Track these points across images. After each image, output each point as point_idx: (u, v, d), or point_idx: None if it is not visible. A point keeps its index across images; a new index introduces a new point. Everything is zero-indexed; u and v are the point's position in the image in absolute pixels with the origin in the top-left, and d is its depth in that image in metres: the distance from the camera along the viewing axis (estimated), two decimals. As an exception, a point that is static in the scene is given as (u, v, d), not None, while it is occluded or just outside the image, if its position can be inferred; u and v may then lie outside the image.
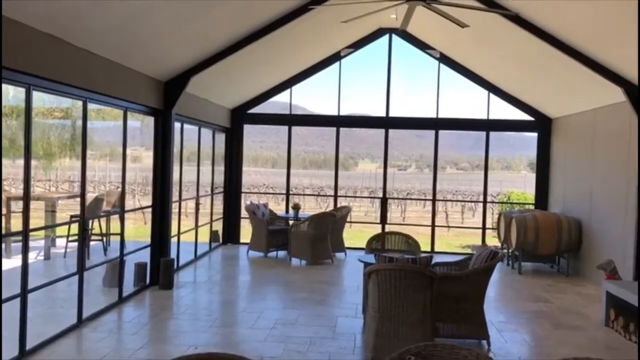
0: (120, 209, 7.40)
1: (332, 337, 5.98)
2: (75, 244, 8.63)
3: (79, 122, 7.31)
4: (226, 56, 8.01)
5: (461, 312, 5.75)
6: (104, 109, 7.14)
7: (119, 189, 7.82)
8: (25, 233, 5.03)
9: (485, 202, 11.92)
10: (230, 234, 11.82)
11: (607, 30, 6.69)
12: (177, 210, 9.22)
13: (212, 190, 11.03)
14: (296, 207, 10.76)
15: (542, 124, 11.21)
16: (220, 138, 11.47)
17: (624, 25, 6.28)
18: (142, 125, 8.54)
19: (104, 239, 9.31)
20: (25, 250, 5.06)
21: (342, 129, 11.83)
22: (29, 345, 5.17)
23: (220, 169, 11.58)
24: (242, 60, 8.75)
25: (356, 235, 15.24)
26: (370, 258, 6.23)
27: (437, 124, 11.46)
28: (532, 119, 11.24)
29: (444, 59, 11.16)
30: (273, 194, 25.23)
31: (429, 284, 5.19)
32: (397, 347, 5.04)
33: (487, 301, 6.38)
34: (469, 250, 13.17)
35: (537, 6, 6.90)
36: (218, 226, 11.59)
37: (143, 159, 10.75)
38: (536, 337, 6.33)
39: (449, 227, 16.91)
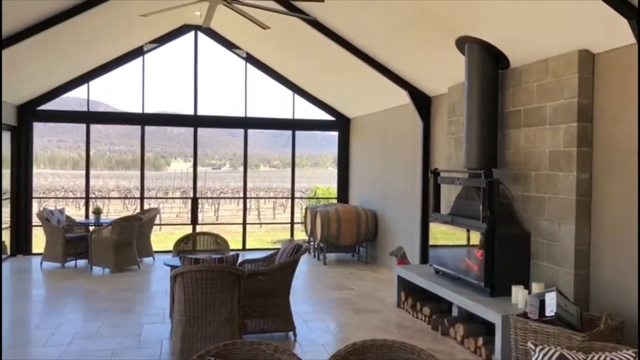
0: None
1: (137, 346, 5.69)
2: None
3: None
4: (8, 46, 7.14)
5: (268, 307, 5.89)
6: None
7: None
8: None
9: (293, 198, 12.39)
10: (20, 245, 10.60)
11: (394, 39, 7.37)
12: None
13: (-5, 196, 9.77)
14: (97, 212, 10.04)
15: (341, 124, 12.00)
16: (5, 138, 10.20)
17: (409, 35, 7.00)
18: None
19: None
20: None
21: (152, 128, 11.36)
22: None
23: (6, 172, 10.31)
24: (29, 52, 7.89)
25: (167, 238, 14.75)
26: (177, 261, 6.07)
27: (245, 123, 11.58)
28: (333, 118, 11.97)
29: (251, 59, 11.32)
30: (73, 198, 23.21)
31: (237, 282, 5.22)
32: (204, 349, 5.02)
33: (295, 293, 6.65)
34: (279, 245, 13.57)
35: (334, 13, 7.34)
36: (5, 236, 10.30)
37: None
38: (339, 324, 6.75)
39: (260, 224, 17.24)
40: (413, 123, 8.86)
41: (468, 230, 6.18)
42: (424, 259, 8.38)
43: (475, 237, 5.98)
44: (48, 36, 7.49)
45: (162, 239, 14.14)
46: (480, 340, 5.47)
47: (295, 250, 6.00)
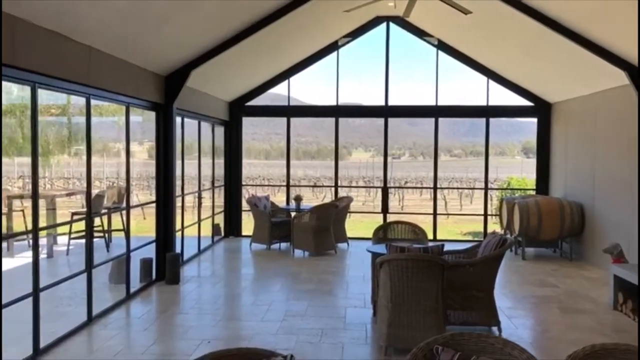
0: (126, 205, 7.33)
1: (343, 328, 5.98)
2: (77, 241, 8.60)
3: (75, 119, 7.19)
4: (226, 49, 7.95)
5: (471, 299, 5.75)
6: (101, 104, 7.06)
7: (119, 185, 7.76)
8: (35, 231, 4.98)
9: (486, 188, 11.94)
10: (232, 227, 11.80)
11: (606, 9, 6.63)
12: (179, 204, 9.17)
13: (212, 183, 10.99)
14: (298, 199, 10.74)
15: (541, 109, 11.21)
16: (219, 131, 11.41)
17: (628, 4, 6.25)
18: (142, 120, 8.47)
19: (106, 235, 9.26)
20: (35, 249, 5.01)
21: (333, 119, 11.76)
22: (42, 344, 5.15)
23: (220, 162, 11.54)
24: (241, 53, 8.68)
25: (356, 226, 15.26)
26: (379, 248, 6.21)
27: (436, 112, 11.43)
28: (531, 104, 11.24)
29: (442, 46, 11.12)
30: (272, 185, 25.16)
31: (441, 272, 5.19)
32: (410, 336, 5.09)
33: (495, 287, 6.41)
34: (470, 237, 13.21)
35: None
36: (219, 219, 11.55)
37: (143, 154, 10.69)
38: (545, 322, 6.36)
39: (448, 214, 16.95)
40: (631, 106, 7.93)
41: None
42: (644, 257, 7.48)
43: None
44: (254, 39, 8.15)
45: (352, 226, 14.63)
46: None
47: (501, 244, 5.77)
